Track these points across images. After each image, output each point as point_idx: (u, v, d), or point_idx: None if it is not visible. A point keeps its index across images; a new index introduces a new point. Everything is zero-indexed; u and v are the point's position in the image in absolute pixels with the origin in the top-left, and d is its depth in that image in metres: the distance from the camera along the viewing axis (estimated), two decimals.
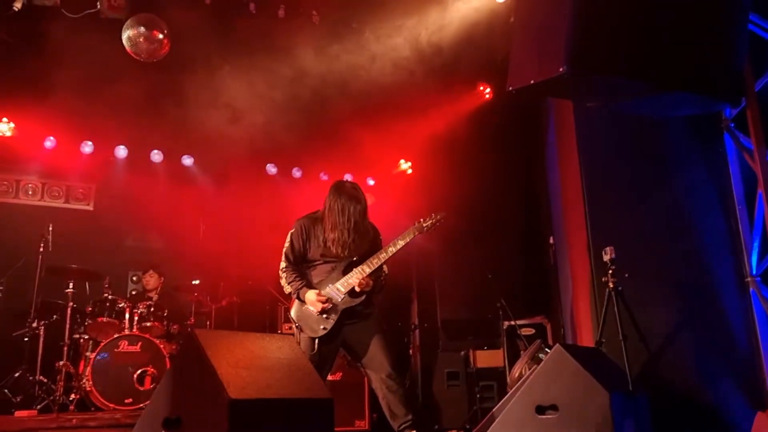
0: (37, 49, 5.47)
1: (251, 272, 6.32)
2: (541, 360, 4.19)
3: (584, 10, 2.87)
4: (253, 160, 6.74)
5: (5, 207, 6.59)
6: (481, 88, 7.03)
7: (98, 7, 5.10)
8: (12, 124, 6.38)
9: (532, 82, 3.08)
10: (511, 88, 3.21)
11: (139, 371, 5.36)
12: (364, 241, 3.91)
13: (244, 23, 5.89)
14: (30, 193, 6.73)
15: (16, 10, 5.14)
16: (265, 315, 6.51)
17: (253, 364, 2.68)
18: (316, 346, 3.78)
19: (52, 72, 5.51)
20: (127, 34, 5.13)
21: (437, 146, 6.61)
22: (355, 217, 3.84)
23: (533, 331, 5.83)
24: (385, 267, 3.92)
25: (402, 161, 7.51)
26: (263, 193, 6.71)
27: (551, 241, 5.95)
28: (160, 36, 5.25)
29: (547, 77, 2.97)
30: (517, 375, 4.85)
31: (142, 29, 5.12)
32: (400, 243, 3.84)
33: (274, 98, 6.06)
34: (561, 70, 2.84)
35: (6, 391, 5.31)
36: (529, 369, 4.58)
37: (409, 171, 7.49)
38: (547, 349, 5.12)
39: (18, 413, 4.96)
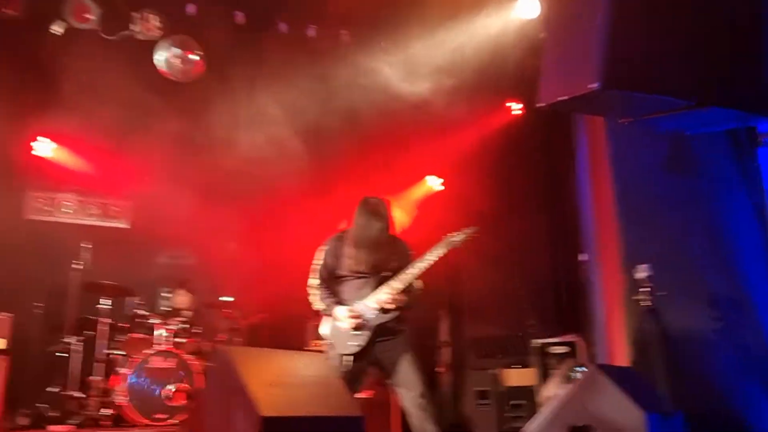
0: (76, 70, 5.62)
1: (281, 289, 6.35)
2: (573, 379, 4.13)
3: (617, 26, 2.85)
4: (282, 177, 6.80)
5: (43, 225, 6.74)
6: (511, 104, 7.01)
7: (134, 29, 5.23)
8: (54, 145, 6.55)
9: (562, 98, 3.07)
10: (541, 104, 3.20)
11: (171, 387, 5.40)
12: (390, 257, 3.91)
13: (275, 42, 5.99)
14: (67, 211, 6.89)
15: (58, 33, 5.29)
16: (295, 331, 6.52)
17: (284, 381, 2.70)
18: (347, 362, 3.78)
19: (90, 92, 5.66)
20: (162, 56, 5.26)
21: (467, 162, 6.60)
22: (376, 233, 3.86)
23: (565, 349, 5.75)
24: (418, 282, 3.91)
25: (432, 177, 7.52)
26: (293, 210, 6.76)
27: (582, 257, 5.88)
28: (194, 56, 5.36)
29: (578, 94, 2.96)
30: (549, 394, 4.78)
31: (176, 50, 5.24)
32: (429, 258, 3.82)
33: (304, 117, 6.14)
34: (593, 86, 2.82)
35: (42, 406, 5.39)
36: (562, 388, 4.51)
37: (440, 187, 7.50)
38: (579, 368, 5.04)
39: (53, 428, 5.03)
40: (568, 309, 6.13)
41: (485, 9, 5.73)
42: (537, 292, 6.15)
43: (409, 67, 6.14)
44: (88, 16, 5.12)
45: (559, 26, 3.29)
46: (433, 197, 7.40)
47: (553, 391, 5.12)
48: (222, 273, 6.63)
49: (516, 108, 7.07)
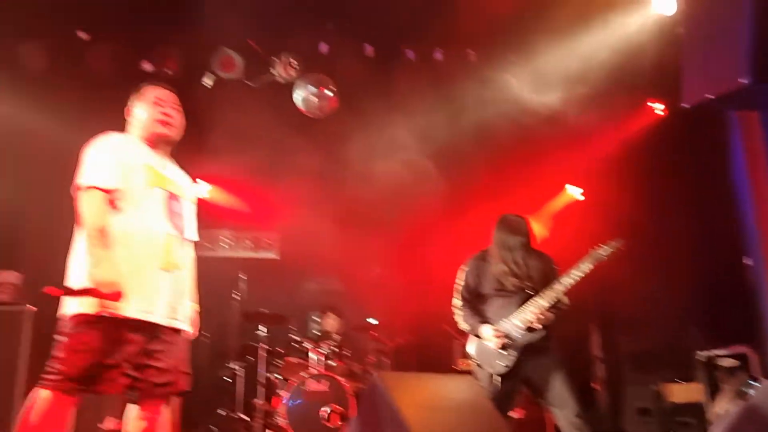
0: (225, 116, 6.10)
1: (426, 310, 6.42)
2: (747, 395, 3.80)
3: (766, 16, 2.63)
4: (421, 200, 6.90)
5: (206, 260, 7.31)
6: (653, 105, 6.65)
7: (273, 73, 5.61)
8: (210, 186, 7.14)
9: (708, 97, 2.87)
10: (685, 105, 3.02)
11: (326, 409, 5.59)
12: (535, 273, 3.84)
13: (404, 70, 6.13)
14: (225, 245, 7.48)
15: (208, 85, 5.77)
16: (442, 352, 6.55)
17: (436, 404, 2.73)
18: (496, 382, 3.74)
19: (238, 135, 6.12)
20: (299, 95, 5.58)
21: (609, 168, 6.34)
22: (517, 249, 3.82)
23: (735, 362, 5.29)
24: (564, 297, 3.81)
25: (572, 187, 7.29)
26: (434, 231, 6.82)
27: (748, 261, 5.42)
28: (329, 93, 5.63)
29: (726, 91, 2.76)
30: (720, 412, 4.44)
31: (312, 88, 5.53)
32: (576, 273, 3.71)
33: (438, 139, 6.20)
34: (743, 82, 2.62)
35: (212, 427, 5.81)
36: (734, 405, 4.17)
37: (581, 197, 7.25)
38: (753, 383, 4.63)
39: None
40: (734, 318, 5.65)
41: (617, 8, 5.51)
42: (695, 301, 5.73)
43: (541, 77, 6.03)
44: (233, 67, 5.56)
45: (700, 20, 3.09)
46: (575, 208, 7.17)
47: (725, 408, 4.75)
48: (368, 296, 6.82)
49: (658, 108, 6.69)
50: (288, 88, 5.79)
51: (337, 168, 6.44)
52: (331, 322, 6.52)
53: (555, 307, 3.75)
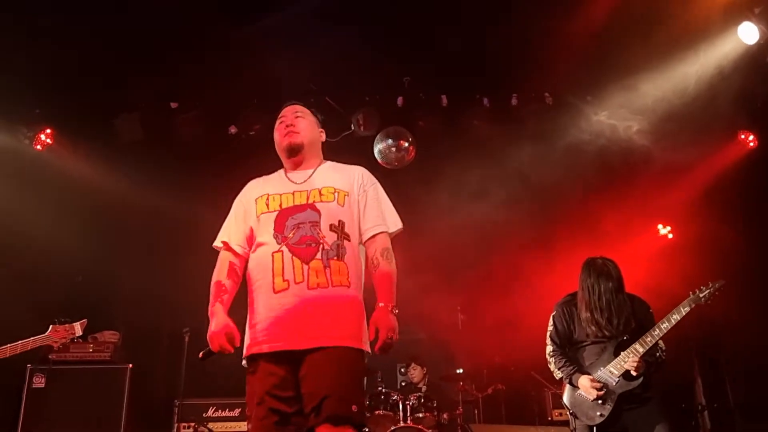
0: None
1: (514, 357, 6.25)
2: None
3: None
4: (504, 246, 6.82)
5: None
6: (743, 136, 6.37)
7: (353, 128, 5.78)
8: None
9: None
10: None
11: None
12: (629, 319, 3.67)
13: (479, 117, 6.16)
14: None
15: None
16: (533, 401, 6.32)
17: None
18: None
19: None
20: (377, 148, 5.70)
21: (698, 205, 6.07)
22: (606, 295, 3.67)
23: None
24: (661, 342, 3.62)
25: (660, 226, 7.00)
26: (519, 276, 6.69)
27: None
28: (406, 144, 5.72)
29: None
30: None
31: (390, 141, 5.65)
32: (675, 318, 3.52)
33: (519, 183, 6.15)
34: None
35: None
36: None
37: (670, 236, 6.95)
38: None
39: None
40: None
41: (701, 41, 5.36)
42: None
43: (622, 115, 5.90)
44: None
45: None
46: (667, 247, 6.87)
47: None
48: (453, 345, 6.71)
49: (749, 140, 6.40)
50: (366, 141, 5.92)
51: (417, 216, 6.48)
52: (416, 373, 6.45)
53: (653, 353, 3.56)
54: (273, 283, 2.68)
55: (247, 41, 5.31)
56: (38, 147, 5.88)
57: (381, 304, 2.66)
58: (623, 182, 6.23)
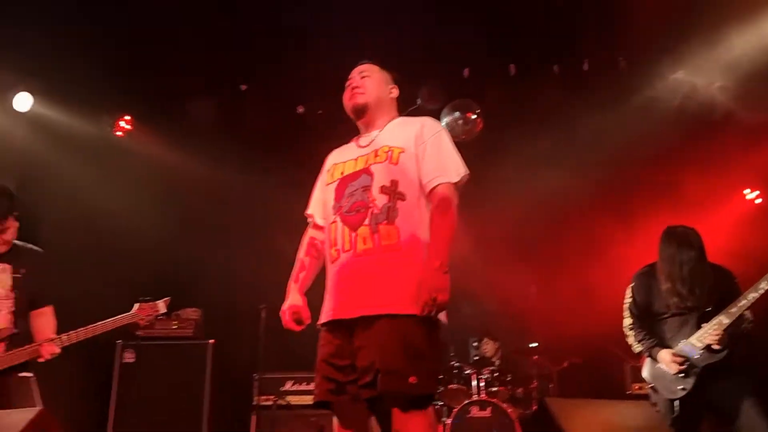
0: None
1: (591, 331, 6.12)
2: None
3: None
4: (578, 215, 6.66)
5: None
6: None
7: (418, 103, 5.74)
8: None
9: None
10: None
11: None
12: (713, 289, 3.53)
13: (550, 85, 6.00)
14: None
15: None
16: (611, 375, 6.19)
17: None
18: (675, 408, 3.46)
19: None
20: (444, 122, 5.65)
21: None
22: (688, 264, 3.53)
23: None
24: (748, 313, 3.46)
25: (747, 191, 6.66)
26: (594, 247, 6.53)
27: None
28: (474, 116, 5.64)
29: None
30: None
31: (457, 114, 5.58)
32: (764, 286, 3.35)
33: (595, 150, 5.97)
34: None
35: None
36: None
37: (758, 200, 6.60)
38: None
39: None
40: None
41: None
42: None
43: (703, 72, 5.61)
44: None
45: None
46: (757, 212, 6.54)
47: None
48: (526, 318, 6.63)
49: None
50: (432, 116, 5.87)
51: (487, 189, 6.39)
52: (489, 347, 6.43)
53: (738, 325, 3.41)
54: (329, 254, 2.68)
55: (311, 19, 5.34)
56: (119, 133, 6.13)
57: (429, 263, 2.45)
58: (705, 146, 5.93)
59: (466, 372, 6.03)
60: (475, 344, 7.08)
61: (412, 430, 2.39)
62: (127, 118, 6.20)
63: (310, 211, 2.93)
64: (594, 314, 5.72)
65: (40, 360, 3.39)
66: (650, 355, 3.60)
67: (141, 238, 5.90)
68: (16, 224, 3.54)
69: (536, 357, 6.24)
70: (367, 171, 2.67)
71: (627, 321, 3.75)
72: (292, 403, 5.05)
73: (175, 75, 6.04)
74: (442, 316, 2.51)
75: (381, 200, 2.58)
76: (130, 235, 5.97)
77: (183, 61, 5.86)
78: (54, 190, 5.69)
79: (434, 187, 2.60)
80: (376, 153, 2.70)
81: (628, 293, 3.78)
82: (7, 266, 3.50)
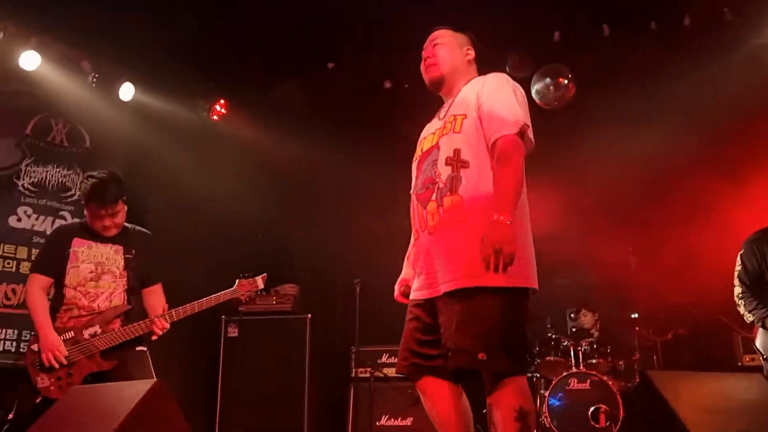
0: None
1: (696, 300, 5.84)
2: None
3: None
4: (679, 179, 6.33)
5: None
6: None
7: (507, 71, 5.60)
8: None
9: None
10: None
11: (591, 408, 5.36)
12: None
13: (646, 44, 5.69)
14: None
15: None
16: (720, 347, 5.90)
17: (719, 406, 2.44)
18: None
19: None
20: (535, 89, 5.49)
21: None
22: None
23: None
24: None
25: None
26: (698, 212, 6.19)
27: None
28: (565, 81, 5.44)
29: None
30: None
31: (548, 80, 5.40)
32: None
33: (694, 111, 5.63)
34: None
35: (478, 426, 5.90)
36: None
37: None
38: None
39: None
40: None
41: None
42: None
43: None
44: None
45: None
46: None
47: None
48: (626, 288, 6.41)
49: None
50: (524, 82, 5.72)
51: (581, 155, 6.18)
52: (587, 318, 6.30)
53: None
54: (413, 233, 2.70)
55: None
56: (214, 117, 6.35)
57: (491, 215, 2.32)
58: None
59: (564, 344, 5.93)
60: (572, 315, 6.94)
61: (501, 398, 2.38)
62: (222, 102, 6.40)
63: (412, 191, 2.83)
64: (700, 282, 5.47)
65: (153, 337, 3.61)
66: (763, 326, 3.43)
67: (239, 219, 6.13)
68: (125, 208, 3.77)
69: (638, 328, 6.04)
70: (437, 145, 2.62)
71: (737, 290, 3.57)
72: (389, 375, 5.13)
73: (264, 57, 6.18)
74: (526, 282, 2.44)
75: (445, 173, 2.53)
76: (229, 216, 6.21)
77: (270, 43, 5.98)
78: (156, 175, 5.98)
79: (494, 143, 2.49)
80: (444, 125, 2.64)
81: (738, 261, 3.60)
82: (119, 247, 3.75)
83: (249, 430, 4.86)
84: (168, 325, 3.62)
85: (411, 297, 2.64)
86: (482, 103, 2.55)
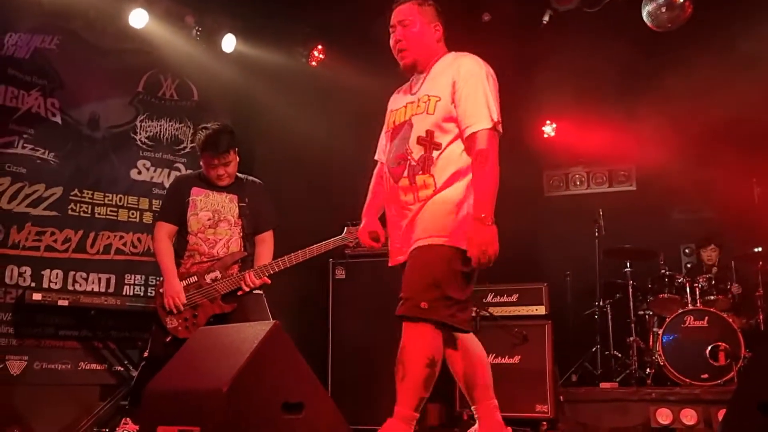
0: (566, 52, 5.93)
1: None
2: None
3: None
4: None
5: (560, 199, 7.39)
6: None
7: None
8: (554, 125, 7.25)
9: None
10: None
11: (710, 347, 5.16)
12: None
13: None
14: (578, 183, 7.40)
15: (545, 22, 5.68)
16: None
17: None
18: None
19: (582, 68, 5.94)
20: (646, 10, 5.10)
21: None
22: None
23: None
24: None
25: None
26: None
27: None
28: (681, 0, 5.01)
29: None
30: None
31: (661, 0, 5.01)
32: None
33: None
34: None
35: (587, 364, 5.85)
36: None
37: None
38: None
39: (602, 385, 5.41)
40: None
41: None
42: None
43: None
44: None
45: None
46: None
47: None
48: (750, 221, 6.03)
49: None
50: (632, 5, 5.32)
51: (699, 82, 5.75)
52: (710, 254, 6.04)
53: None
54: (385, 202, 2.92)
55: None
56: (313, 63, 6.37)
57: (473, 217, 2.56)
58: None
59: (679, 280, 5.72)
60: (687, 251, 6.67)
61: (406, 341, 2.56)
62: (320, 47, 6.39)
63: (376, 158, 3.11)
64: None
65: (240, 293, 3.74)
66: None
67: (344, 165, 6.19)
68: (237, 158, 3.90)
69: (762, 263, 5.70)
70: (409, 122, 2.76)
71: None
72: (494, 314, 5.15)
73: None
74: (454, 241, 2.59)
75: (417, 152, 2.69)
76: (334, 163, 6.28)
77: None
78: (260, 123, 6.13)
79: (470, 135, 2.63)
80: (417, 102, 2.77)
81: None
82: (233, 196, 3.91)
83: (358, 372, 5.04)
84: (258, 283, 3.74)
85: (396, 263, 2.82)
86: (458, 89, 2.67)
